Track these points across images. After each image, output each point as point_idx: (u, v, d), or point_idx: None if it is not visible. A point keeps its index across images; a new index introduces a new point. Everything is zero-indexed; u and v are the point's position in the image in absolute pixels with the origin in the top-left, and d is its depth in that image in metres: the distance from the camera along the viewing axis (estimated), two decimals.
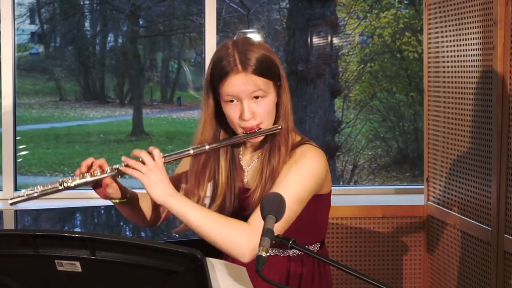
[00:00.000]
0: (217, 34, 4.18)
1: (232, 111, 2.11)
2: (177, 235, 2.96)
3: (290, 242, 1.68)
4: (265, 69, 2.10)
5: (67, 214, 3.68)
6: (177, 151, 2.10)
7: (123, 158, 2.05)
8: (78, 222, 3.57)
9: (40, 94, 6.66)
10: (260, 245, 1.57)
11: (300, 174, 2.09)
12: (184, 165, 2.30)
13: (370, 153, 6.33)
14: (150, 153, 2.03)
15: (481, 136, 3.21)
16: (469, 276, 3.39)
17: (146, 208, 2.26)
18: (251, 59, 2.09)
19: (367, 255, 3.96)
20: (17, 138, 4.21)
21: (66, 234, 1.52)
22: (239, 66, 2.08)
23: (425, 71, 3.84)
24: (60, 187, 2.02)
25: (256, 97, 2.10)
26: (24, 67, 6.48)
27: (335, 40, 5.79)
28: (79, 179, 2.04)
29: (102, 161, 2.07)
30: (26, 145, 6.40)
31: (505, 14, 3.01)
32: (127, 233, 3.29)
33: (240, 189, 2.21)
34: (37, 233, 1.52)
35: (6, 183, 4.13)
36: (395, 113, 6.14)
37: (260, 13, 5.79)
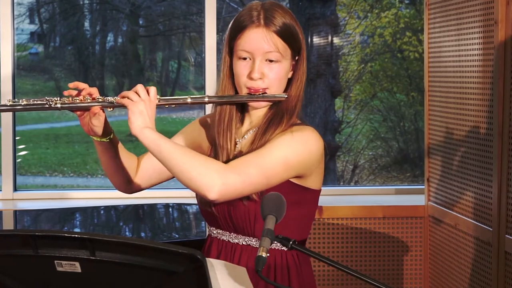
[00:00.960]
0: (217, 34, 4.17)
1: (242, 69, 2.03)
2: (177, 235, 2.95)
3: (290, 242, 1.67)
4: (288, 34, 2.03)
5: (66, 214, 3.67)
6: (175, 97, 2.03)
7: (123, 92, 1.98)
8: (78, 223, 3.56)
9: (39, 94, 6.65)
10: (260, 245, 1.56)
11: (294, 140, 1.99)
12: (191, 131, 2.21)
13: (370, 153, 6.32)
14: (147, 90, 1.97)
15: (482, 136, 3.21)
16: (469, 276, 3.38)
17: (125, 161, 2.12)
18: (277, 19, 2.02)
19: (368, 255, 3.95)
20: (16, 138, 4.21)
21: (65, 235, 1.51)
22: (262, 21, 2.02)
23: (425, 71, 3.83)
24: (46, 105, 1.95)
25: (271, 61, 2.02)
26: (24, 67, 6.47)
27: (336, 40, 5.78)
28: (68, 101, 1.97)
29: (94, 89, 2.01)
30: (26, 145, 6.40)
31: (506, 14, 3.01)
32: (127, 233, 3.29)
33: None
34: (37, 234, 1.51)
35: (6, 183, 4.12)
36: (396, 113, 6.14)
37: None
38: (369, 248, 3.95)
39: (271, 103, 2.08)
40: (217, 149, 2.09)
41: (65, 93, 2.00)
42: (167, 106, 2.03)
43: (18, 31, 5.76)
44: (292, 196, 2.02)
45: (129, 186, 2.18)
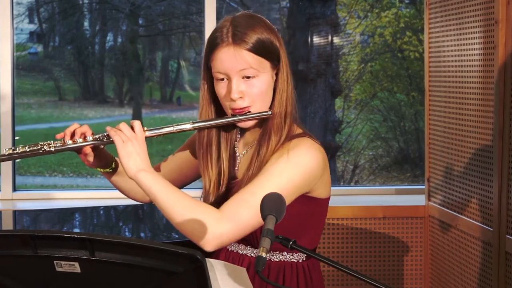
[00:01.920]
0: None
1: (221, 90, 1.97)
2: (176, 236, 2.95)
3: (291, 242, 1.66)
4: (260, 48, 1.94)
5: (66, 214, 3.67)
6: (160, 127, 2.01)
7: (107, 128, 1.97)
8: (77, 223, 3.55)
9: (39, 94, 6.65)
10: (260, 245, 1.55)
11: (289, 165, 1.91)
12: (183, 154, 2.22)
13: (370, 153, 6.32)
14: (131, 126, 1.95)
15: (482, 136, 3.20)
16: (470, 277, 3.37)
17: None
18: (247, 34, 1.93)
19: (368, 255, 3.95)
20: (16, 138, 4.20)
21: (65, 235, 1.51)
22: (230, 39, 1.93)
23: (426, 71, 3.83)
24: (41, 150, 1.98)
25: (247, 77, 1.95)
26: (23, 67, 6.47)
27: (336, 40, 5.78)
28: (60, 144, 1.99)
29: (85, 128, 2.00)
30: None
31: (507, 14, 3.00)
32: (127, 233, 3.28)
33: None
34: (36, 234, 1.51)
35: (5, 183, 4.11)
36: (396, 113, 6.14)
37: (260, 12, 5.78)
38: (369, 248, 3.94)
39: (258, 120, 2.02)
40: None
41: (57, 136, 2.02)
42: (155, 136, 2.00)
43: (17, 31, 5.76)
44: (300, 208, 1.98)
45: (143, 199, 2.22)
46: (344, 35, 5.90)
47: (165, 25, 6.23)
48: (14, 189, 4.17)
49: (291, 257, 2.04)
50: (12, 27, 4.14)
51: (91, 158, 2.04)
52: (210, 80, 2.03)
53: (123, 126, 1.94)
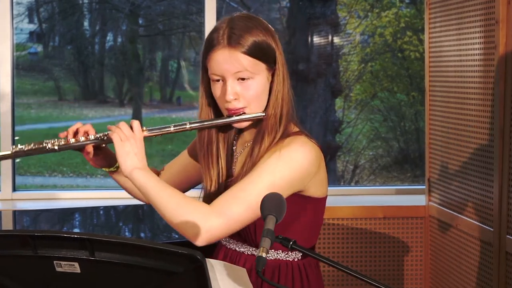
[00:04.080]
0: None
1: (217, 91, 1.99)
2: (176, 236, 2.95)
3: (291, 243, 1.66)
4: (256, 50, 1.96)
5: (66, 214, 3.67)
6: (159, 127, 2.04)
7: (108, 126, 2.02)
8: (77, 223, 3.55)
9: (38, 94, 6.65)
10: (260, 245, 1.55)
11: (280, 162, 1.92)
12: (183, 157, 2.25)
13: (371, 153, 6.32)
14: (130, 126, 1.99)
15: (483, 136, 3.20)
16: (470, 277, 3.37)
17: None
18: (242, 36, 1.95)
19: (368, 255, 3.95)
20: (15, 138, 4.20)
21: (65, 235, 1.51)
22: (225, 41, 1.95)
23: (426, 71, 3.83)
24: (46, 148, 2.02)
25: (242, 79, 1.96)
26: (23, 67, 6.47)
27: (336, 40, 5.78)
28: (64, 143, 2.03)
29: (88, 127, 2.05)
30: None
31: (507, 13, 3.00)
32: (127, 233, 3.28)
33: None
34: (36, 234, 1.51)
35: (5, 183, 4.11)
36: (396, 113, 6.14)
37: (261, 12, 5.78)
38: (370, 249, 3.94)
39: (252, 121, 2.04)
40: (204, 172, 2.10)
41: (61, 135, 2.05)
42: (154, 136, 2.04)
43: (17, 31, 5.76)
44: (294, 207, 1.99)
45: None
46: (344, 35, 5.90)
47: (165, 25, 6.23)
48: (14, 189, 4.16)
49: (286, 255, 2.05)
50: (12, 27, 4.13)
51: (93, 157, 2.07)
52: (208, 80, 2.05)
53: (123, 125, 1.98)
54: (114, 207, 3.76)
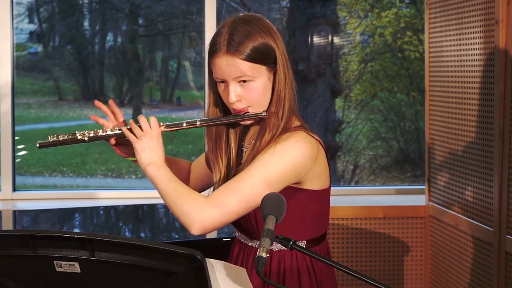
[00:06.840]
0: None
1: (222, 92, 2.10)
2: (176, 236, 2.95)
3: (291, 243, 1.66)
4: (255, 55, 2.03)
5: (66, 214, 3.66)
6: (173, 123, 2.15)
7: (131, 121, 2.11)
8: (77, 223, 3.55)
9: (38, 93, 6.65)
10: (260, 245, 1.56)
11: (274, 156, 2.01)
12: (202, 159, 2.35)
13: (371, 153, 6.31)
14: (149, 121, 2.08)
15: (482, 136, 3.20)
16: (470, 277, 3.37)
17: (177, 172, 2.23)
18: (241, 43, 2.03)
19: (368, 255, 3.95)
20: (15, 138, 4.20)
21: (65, 235, 1.51)
22: (225, 48, 2.03)
23: (426, 71, 3.83)
24: (77, 139, 2.14)
25: (244, 81, 2.04)
26: (23, 67, 6.46)
27: (336, 40, 5.77)
28: (93, 133, 2.14)
29: (119, 115, 2.17)
30: (25, 145, 6.39)
31: (507, 13, 3.00)
32: (127, 233, 3.28)
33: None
34: (36, 234, 1.51)
35: (5, 183, 4.11)
36: (396, 113, 6.13)
37: (260, 12, 5.77)
38: (370, 249, 3.94)
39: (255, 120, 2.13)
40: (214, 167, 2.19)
41: (96, 104, 2.19)
42: (169, 131, 2.15)
43: (17, 31, 5.75)
44: (290, 200, 2.02)
45: None
46: (344, 35, 5.89)
47: (165, 25, 6.22)
48: (14, 189, 4.17)
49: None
50: (12, 27, 4.13)
51: (119, 148, 2.17)
52: (214, 80, 2.13)
53: (142, 121, 2.08)
54: (114, 207, 3.76)
